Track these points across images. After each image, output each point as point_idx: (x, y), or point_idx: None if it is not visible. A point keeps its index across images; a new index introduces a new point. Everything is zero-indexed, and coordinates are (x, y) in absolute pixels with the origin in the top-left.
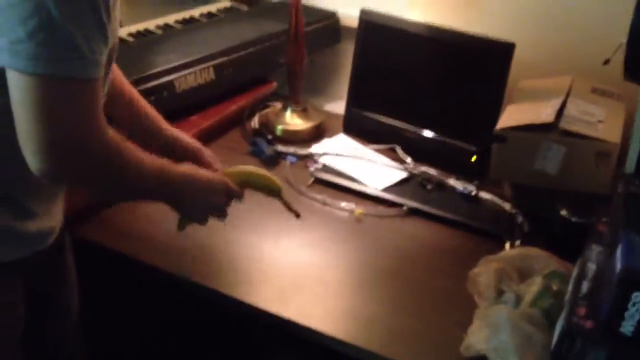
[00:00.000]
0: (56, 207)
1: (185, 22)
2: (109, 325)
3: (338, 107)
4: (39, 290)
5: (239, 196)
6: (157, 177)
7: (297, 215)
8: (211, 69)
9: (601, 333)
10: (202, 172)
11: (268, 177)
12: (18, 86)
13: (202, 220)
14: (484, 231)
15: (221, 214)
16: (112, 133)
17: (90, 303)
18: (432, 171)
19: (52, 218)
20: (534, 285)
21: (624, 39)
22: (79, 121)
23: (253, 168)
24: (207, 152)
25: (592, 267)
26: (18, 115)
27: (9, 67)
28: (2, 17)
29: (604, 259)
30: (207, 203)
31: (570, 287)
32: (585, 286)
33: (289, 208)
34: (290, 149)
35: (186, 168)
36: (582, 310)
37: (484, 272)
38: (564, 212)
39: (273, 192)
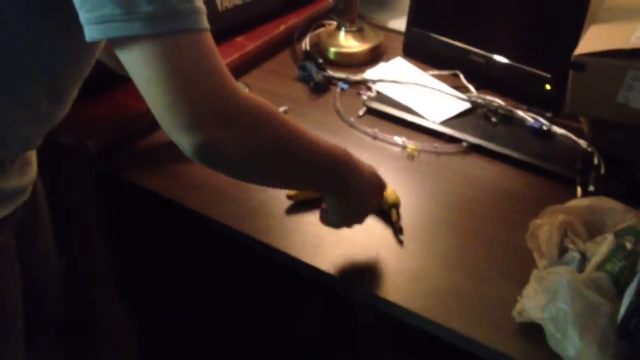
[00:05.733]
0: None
1: None
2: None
3: (403, 24)
4: (21, 238)
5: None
6: (328, 149)
7: (399, 232)
8: None
9: None
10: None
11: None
12: (139, 59)
13: (361, 219)
14: (554, 173)
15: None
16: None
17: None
18: (498, 101)
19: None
20: (604, 245)
21: None
22: (215, 75)
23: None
24: None
25: None
26: (152, 94)
27: (124, 35)
28: None
29: None
30: (368, 196)
31: None
32: None
33: (396, 222)
34: (343, 75)
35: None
36: None
37: (547, 225)
38: None
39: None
